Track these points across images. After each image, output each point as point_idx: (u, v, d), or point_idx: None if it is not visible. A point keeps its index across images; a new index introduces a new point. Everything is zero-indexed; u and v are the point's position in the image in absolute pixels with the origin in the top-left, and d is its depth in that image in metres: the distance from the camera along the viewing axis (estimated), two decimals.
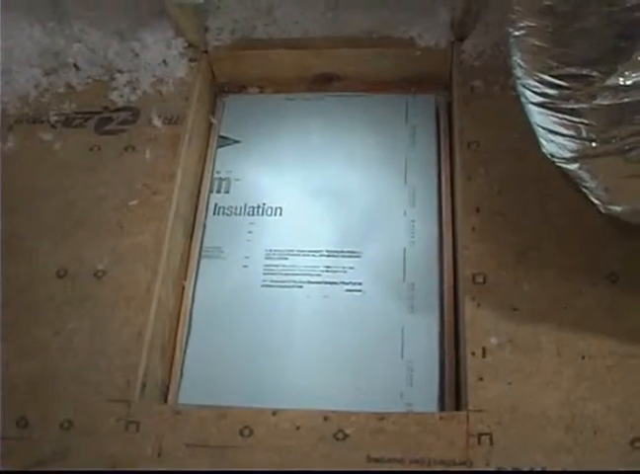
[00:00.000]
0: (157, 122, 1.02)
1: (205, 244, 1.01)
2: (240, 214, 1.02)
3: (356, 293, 0.95)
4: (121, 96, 1.05)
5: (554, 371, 0.78)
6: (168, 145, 0.99)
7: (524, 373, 0.78)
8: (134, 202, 0.95)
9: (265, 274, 0.97)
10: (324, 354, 0.91)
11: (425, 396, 0.86)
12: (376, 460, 0.75)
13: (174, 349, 0.93)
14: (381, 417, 0.77)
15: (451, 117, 1.04)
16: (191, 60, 1.08)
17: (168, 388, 0.90)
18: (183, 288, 0.97)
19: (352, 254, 0.98)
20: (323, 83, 1.12)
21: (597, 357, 0.78)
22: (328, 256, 0.98)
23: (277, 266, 0.98)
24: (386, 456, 0.75)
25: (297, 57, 1.09)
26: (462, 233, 0.88)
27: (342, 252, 0.98)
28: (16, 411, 0.81)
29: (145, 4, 1.08)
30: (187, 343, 0.94)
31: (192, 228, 1.02)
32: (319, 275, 0.97)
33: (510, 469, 0.73)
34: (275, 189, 1.04)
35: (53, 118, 1.04)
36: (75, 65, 1.08)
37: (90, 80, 1.08)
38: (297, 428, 0.78)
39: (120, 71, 1.07)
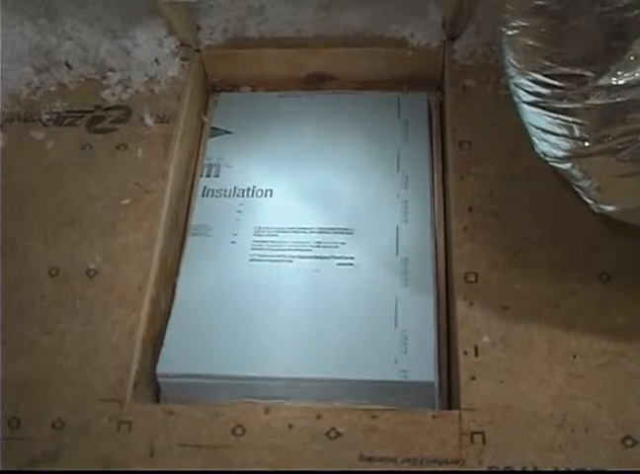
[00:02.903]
0: (149, 121, 1.01)
1: (193, 223, 0.99)
2: (229, 196, 1.01)
3: (347, 267, 0.93)
4: (113, 94, 1.05)
5: (546, 370, 0.78)
6: (160, 144, 0.99)
7: (516, 372, 0.78)
8: (126, 201, 0.94)
9: (253, 249, 0.95)
10: (313, 323, 0.89)
11: (420, 363, 0.84)
12: (369, 459, 0.75)
13: None
14: (374, 415, 0.77)
15: (443, 116, 1.04)
16: (183, 59, 1.07)
17: (160, 388, 0.89)
18: (175, 287, 0.96)
19: (344, 231, 0.96)
20: (315, 82, 1.12)
21: (588, 356, 0.78)
22: (319, 232, 0.96)
23: (265, 241, 0.96)
24: (379, 455, 0.75)
25: (289, 56, 1.09)
26: (454, 232, 0.88)
27: (333, 229, 0.96)
28: (8, 411, 0.80)
29: (137, 2, 1.08)
30: (170, 314, 0.91)
31: (184, 225, 1.01)
32: (309, 250, 0.95)
33: (502, 469, 0.73)
34: (265, 173, 1.03)
35: (45, 117, 1.04)
36: (67, 64, 1.07)
37: (82, 79, 1.07)
38: (290, 426, 0.78)
39: (111, 70, 1.07)
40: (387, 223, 0.96)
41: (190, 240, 0.98)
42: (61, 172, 0.98)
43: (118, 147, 1.00)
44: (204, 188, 1.02)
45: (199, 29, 1.09)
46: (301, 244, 0.95)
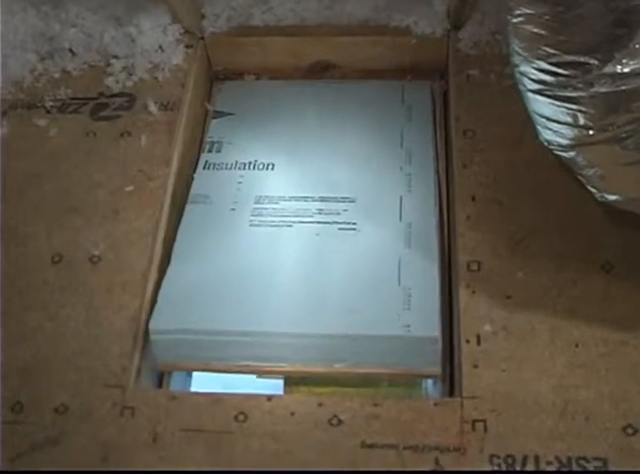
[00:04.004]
0: (153, 109, 1.02)
1: (191, 193, 0.98)
2: (230, 169, 1.00)
3: (349, 231, 0.91)
4: (117, 82, 1.05)
5: (548, 359, 0.78)
6: (164, 131, 0.99)
7: (518, 361, 0.78)
8: (130, 188, 0.94)
9: (253, 215, 0.94)
10: (313, 281, 0.87)
11: (423, 319, 0.83)
12: (370, 446, 0.75)
13: None
14: (376, 403, 0.78)
15: (447, 105, 1.04)
16: (187, 47, 1.08)
17: (163, 374, 0.90)
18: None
19: (346, 199, 0.95)
20: (319, 71, 1.12)
21: (590, 345, 0.79)
22: (321, 201, 0.95)
23: (266, 209, 0.95)
24: (380, 442, 0.75)
25: (293, 45, 1.09)
26: (457, 221, 0.88)
27: (335, 198, 0.95)
28: (11, 395, 0.81)
29: None
30: (163, 273, 0.90)
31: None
32: (311, 216, 0.93)
33: (503, 456, 0.74)
34: (267, 149, 1.02)
35: (49, 104, 1.04)
36: (71, 50, 1.08)
37: (86, 66, 1.08)
38: (292, 413, 0.78)
39: (115, 57, 1.07)
40: (391, 193, 0.95)
41: (188, 208, 0.97)
42: (65, 159, 0.98)
43: (121, 134, 1.00)
44: (206, 162, 1.02)
45: (203, 16, 1.09)
46: (302, 211, 0.94)
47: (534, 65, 0.67)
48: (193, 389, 0.93)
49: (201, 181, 1.00)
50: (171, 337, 0.85)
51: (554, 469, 0.72)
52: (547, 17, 0.63)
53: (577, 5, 0.61)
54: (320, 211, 0.94)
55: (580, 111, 0.65)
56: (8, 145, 1.00)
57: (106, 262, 0.89)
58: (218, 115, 1.08)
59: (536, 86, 0.68)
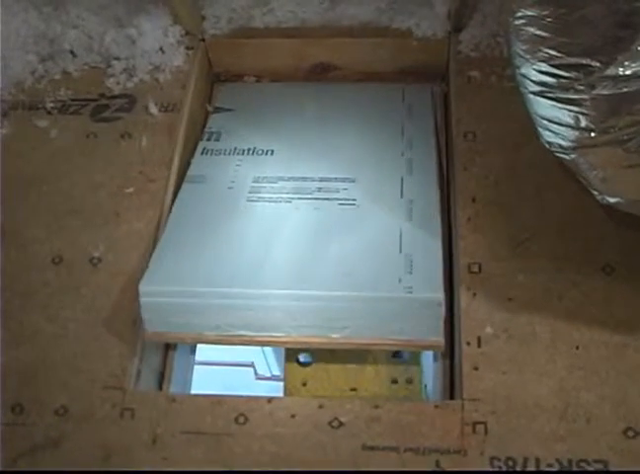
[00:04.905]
0: (153, 110, 1.02)
1: (188, 174, 0.97)
2: (229, 155, 0.99)
3: (349, 206, 0.90)
4: (118, 83, 1.05)
5: (548, 361, 0.78)
6: (164, 133, 0.99)
7: (519, 363, 0.78)
8: (130, 190, 0.94)
9: (251, 193, 0.93)
10: (312, 247, 0.85)
11: (426, 281, 0.80)
12: (371, 448, 0.75)
13: None
14: (376, 405, 0.78)
15: (448, 107, 1.04)
16: (188, 48, 1.08)
17: (163, 376, 0.90)
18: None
19: (346, 179, 0.93)
20: (320, 72, 1.12)
21: (590, 348, 0.78)
22: (320, 181, 0.94)
23: (264, 187, 0.94)
24: (381, 444, 0.75)
25: (294, 47, 1.09)
26: (458, 223, 0.88)
27: (335, 178, 0.94)
28: (11, 397, 0.81)
29: None
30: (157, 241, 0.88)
31: None
32: (310, 194, 0.92)
33: (503, 459, 0.74)
34: (267, 138, 1.01)
35: (49, 105, 1.04)
36: (72, 52, 1.08)
37: (86, 67, 1.08)
38: (292, 416, 0.78)
39: (116, 58, 1.07)
40: (391, 174, 0.94)
41: (183, 186, 0.96)
42: (65, 160, 0.98)
43: (122, 136, 1.00)
44: (204, 148, 1.01)
45: (204, 18, 1.09)
46: (302, 189, 0.93)
47: (536, 67, 0.67)
48: (192, 391, 0.93)
49: (199, 164, 0.99)
50: (161, 300, 0.82)
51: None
52: (549, 19, 0.63)
53: (579, 7, 0.61)
54: (319, 189, 0.92)
55: (581, 113, 0.65)
56: (8, 146, 1.00)
57: (106, 263, 0.89)
58: (218, 110, 1.08)
59: (538, 88, 0.68)
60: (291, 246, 0.86)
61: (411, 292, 0.79)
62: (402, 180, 0.93)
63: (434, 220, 0.88)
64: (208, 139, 1.02)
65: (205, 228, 0.89)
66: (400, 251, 0.84)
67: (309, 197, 0.92)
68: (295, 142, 1.01)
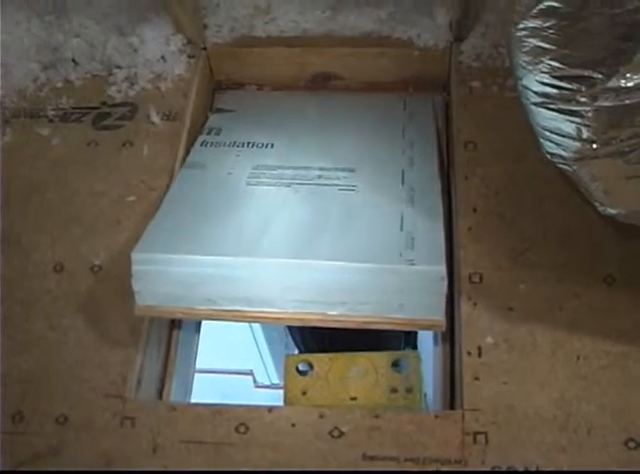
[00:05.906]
0: (155, 119, 1.02)
1: (187, 160, 0.97)
2: (229, 147, 1.00)
3: (349, 192, 0.89)
4: (120, 91, 1.05)
5: (549, 371, 0.78)
6: (166, 141, 0.99)
7: (520, 373, 0.78)
8: (132, 198, 0.94)
9: (250, 177, 0.93)
10: (311, 225, 0.84)
11: (428, 255, 0.79)
12: (371, 458, 0.75)
13: (169, 344, 0.93)
14: (377, 415, 0.78)
15: (449, 117, 1.04)
16: (189, 57, 1.08)
17: (163, 384, 0.89)
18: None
19: (345, 169, 0.93)
20: (321, 82, 1.12)
21: (591, 358, 0.78)
22: (320, 170, 0.93)
23: (264, 173, 0.94)
24: (381, 454, 0.75)
25: (296, 56, 1.09)
26: (459, 233, 0.88)
27: (335, 168, 0.94)
28: (12, 405, 0.81)
29: (145, 0, 1.08)
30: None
31: None
32: (310, 180, 0.92)
33: (504, 469, 0.74)
34: (267, 133, 1.01)
35: (51, 113, 1.04)
36: (73, 60, 1.08)
37: (88, 75, 1.08)
38: (293, 425, 0.78)
39: (118, 67, 1.07)
40: (392, 167, 0.93)
41: (182, 171, 0.95)
42: (67, 168, 0.98)
43: (123, 144, 1.00)
44: (203, 141, 1.01)
45: (205, 27, 1.09)
46: (301, 176, 0.93)
47: (538, 78, 0.67)
48: (192, 400, 0.93)
49: (198, 154, 0.99)
50: (154, 268, 0.81)
51: None
52: (551, 30, 0.64)
53: (581, 19, 0.61)
54: (319, 177, 0.92)
55: (583, 124, 0.65)
56: (10, 154, 1.01)
57: (107, 271, 0.89)
58: (219, 111, 1.09)
59: (540, 99, 0.68)
60: (290, 223, 0.85)
61: (413, 264, 0.78)
62: (403, 172, 0.93)
63: (435, 205, 0.87)
64: (209, 133, 1.03)
65: (203, 204, 0.89)
66: (401, 229, 0.83)
67: (309, 182, 0.92)
68: (296, 139, 1.01)
